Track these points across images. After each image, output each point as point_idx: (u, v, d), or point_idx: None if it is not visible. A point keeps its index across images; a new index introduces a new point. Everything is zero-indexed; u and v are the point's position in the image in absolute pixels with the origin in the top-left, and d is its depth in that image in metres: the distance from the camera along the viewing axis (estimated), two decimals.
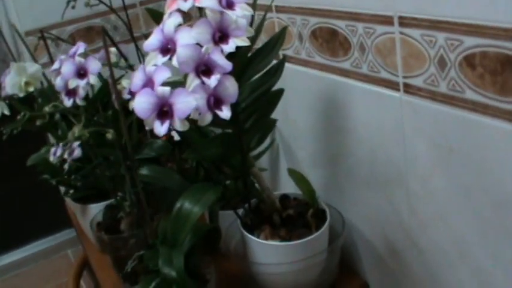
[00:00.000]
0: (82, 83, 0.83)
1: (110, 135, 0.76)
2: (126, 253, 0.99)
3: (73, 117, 0.93)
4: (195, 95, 0.62)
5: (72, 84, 0.84)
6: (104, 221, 1.07)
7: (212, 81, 0.62)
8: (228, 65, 0.63)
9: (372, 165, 0.89)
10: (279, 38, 0.80)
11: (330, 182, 1.03)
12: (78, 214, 1.18)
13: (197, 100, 0.62)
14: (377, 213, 0.93)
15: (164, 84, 0.62)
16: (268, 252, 0.92)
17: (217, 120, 0.64)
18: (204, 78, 0.62)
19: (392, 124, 0.81)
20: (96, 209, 1.11)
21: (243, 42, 0.63)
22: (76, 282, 1.30)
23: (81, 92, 0.84)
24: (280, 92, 0.87)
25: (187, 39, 0.61)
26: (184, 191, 0.85)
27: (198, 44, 0.62)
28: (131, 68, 0.92)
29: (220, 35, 0.64)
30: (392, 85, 0.79)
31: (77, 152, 1.08)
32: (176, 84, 0.63)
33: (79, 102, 0.84)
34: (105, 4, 1.07)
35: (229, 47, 0.63)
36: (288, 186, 1.16)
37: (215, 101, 0.64)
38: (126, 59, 0.91)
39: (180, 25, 0.63)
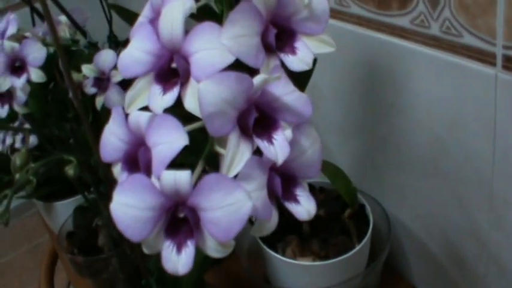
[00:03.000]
0: (19, 82, 0.54)
1: (71, 170, 0.51)
2: (109, 276, 0.76)
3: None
4: (245, 183, 0.31)
5: (4, 85, 0.54)
6: (76, 230, 0.83)
7: (279, 146, 0.31)
8: (305, 107, 0.33)
9: (436, 154, 0.66)
10: None
11: (367, 165, 0.80)
12: (43, 213, 0.94)
13: (253, 195, 0.30)
14: (438, 214, 0.70)
15: (173, 166, 0.30)
16: (298, 274, 0.70)
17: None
18: (259, 141, 0.31)
19: (478, 108, 0.57)
20: (64, 208, 0.87)
21: (325, 45, 0.35)
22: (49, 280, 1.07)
23: (20, 96, 0.55)
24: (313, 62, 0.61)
25: (216, 55, 0.30)
26: None
27: (241, 65, 0.31)
28: (94, 46, 0.63)
29: (277, 32, 0.34)
30: (482, 56, 0.54)
31: (33, 140, 0.83)
32: (189, 160, 0.32)
33: (18, 109, 0.57)
34: None
35: (299, 59, 0.34)
36: None
37: (284, 181, 0.33)
38: (84, 33, 0.62)
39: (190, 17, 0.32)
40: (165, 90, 0.32)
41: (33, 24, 0.65)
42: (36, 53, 0.54)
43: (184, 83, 0.32)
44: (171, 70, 0.32)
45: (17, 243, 2.09)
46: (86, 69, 0.56)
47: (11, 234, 2.14)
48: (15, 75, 0.56)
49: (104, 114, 0.58)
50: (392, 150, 0.73)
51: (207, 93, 0.29)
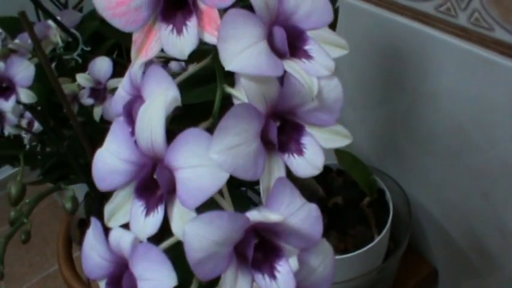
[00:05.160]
0: (7, 105, 0.49)
1: (68, 204, 0.48)
2: None
3: None
4: None
5: None
6: (88, 218, 0.81)
7: (282, 281, 0.27)
8: (315, 227, 0.27)
9: (460, 144, 0.62)
10: None
11: (387, 146, 0.76)
12: (56, 196, 0.92)
13: None
14: (460, 202, 0.67)
15: None
16: None
17: None
18: (259, 277, 0.27)
19: (509, 105, 0.52)
20: (77, 192, 0.85)
21: (339, 137, 0.29)
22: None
23: (11, 118, 0.51)
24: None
25: (205, 176, 0.25)
26: None
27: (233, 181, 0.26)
28: (85, 55, 0.56)
29: (280, 124, 0.28)
30: None
31: (37, 126, 0.80)
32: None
33: (11, 130, 0.53)
34: None
35: (307, 161, 0.28)
36: None
37: None
38: (76, 38, 0.55)
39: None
40: (149, 208, 0.27)
41: (38, 17, 0.58)
42: (23, 72, 0.48)
43: (170, 196, 0.27)
44: (155, 181, 0.27)
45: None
46: (81, 78, 0.51)
47: (29, 191, 2.15)
48: (3, 96, 0.50)
49: (104, 126, 0.54)
50: (414, 134, 0.69)
51: (194, 237, 0.24)
